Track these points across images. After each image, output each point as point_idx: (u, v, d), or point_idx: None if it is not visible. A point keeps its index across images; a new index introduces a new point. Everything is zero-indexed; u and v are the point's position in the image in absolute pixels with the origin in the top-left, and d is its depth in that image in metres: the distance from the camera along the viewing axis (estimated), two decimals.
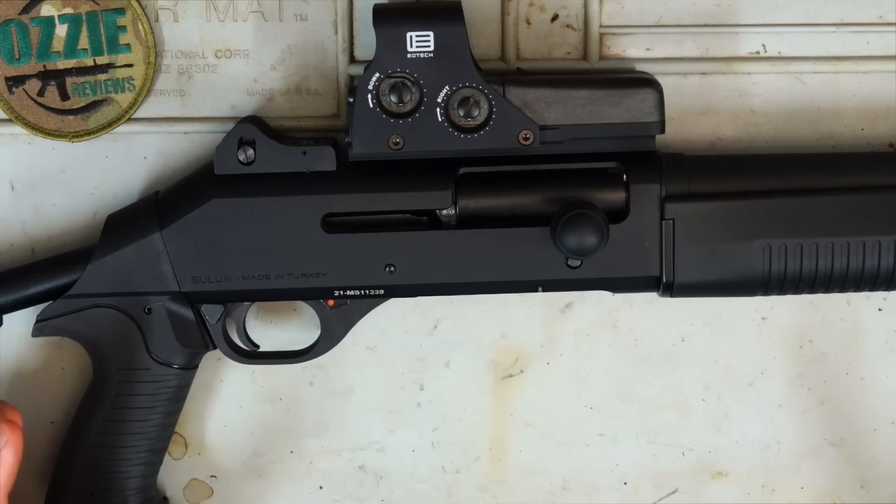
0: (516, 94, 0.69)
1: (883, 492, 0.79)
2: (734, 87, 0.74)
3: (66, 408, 0.76)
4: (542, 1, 0.73)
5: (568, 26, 0.73)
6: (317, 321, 0.73)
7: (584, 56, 0.73)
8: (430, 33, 0.68)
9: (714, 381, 0.78)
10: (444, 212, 0.70)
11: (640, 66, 0.74)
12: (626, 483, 0.79)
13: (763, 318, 0.77)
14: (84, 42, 0.72)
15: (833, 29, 0.74)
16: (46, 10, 0.71)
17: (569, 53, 0.74)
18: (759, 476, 0.79)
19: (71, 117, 0.73)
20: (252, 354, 0.74)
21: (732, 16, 0.73)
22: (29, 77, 0.72)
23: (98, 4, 0.71)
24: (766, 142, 0.75)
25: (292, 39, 0.73)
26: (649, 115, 0.69)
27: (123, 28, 0.72)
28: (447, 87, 0.68)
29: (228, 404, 0.78)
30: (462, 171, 0.69)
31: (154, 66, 0.72)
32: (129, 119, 0.73)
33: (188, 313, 0.71)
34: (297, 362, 0.74)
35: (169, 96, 0.73)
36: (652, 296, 0.72)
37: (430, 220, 0.70)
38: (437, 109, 0.68)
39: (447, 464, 0.79)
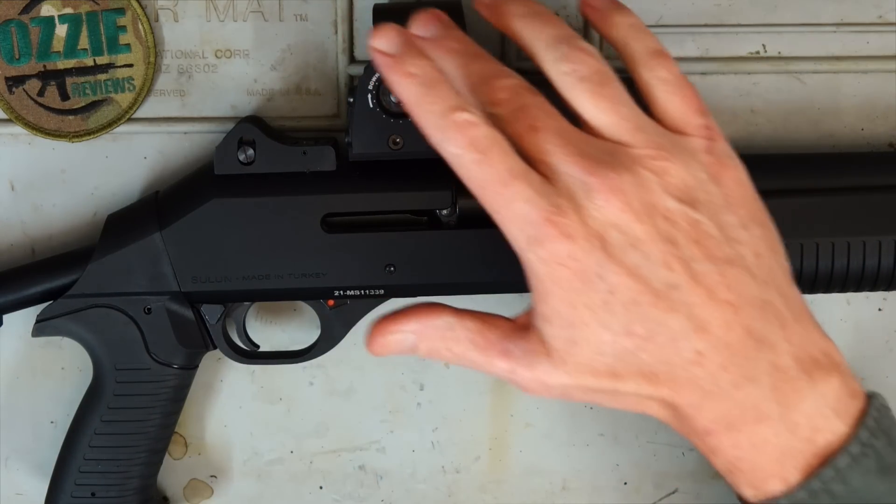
0: None
1: None
2: (734, 87, 0.74)
3: (66, 408, 0.76)
4: (541, 1, 0.73)
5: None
6: (317, 321, 0.73)
7: None
8: None
9: None
10: (444, 212, 0.70)
11: None
12: (626, 483, 0.79)
13: None
14: (84, 42, 0.72)
15: (833, 29, 0.74)
16: (46, 10, 0.71)
17: None
18: None
19: (71, 117, 0.73)
20: (252, 354, 0.74)
21: (732, 16, 0.73)
22: (29, 77, 0.72)
23: (98, 4, 0.71)
24: (766, 141, 0.75)
25: (292, 39, 0.73)
26: None
27: (123, 28, 0.72)
28: None
29: (228, 404, 0.78)
30: None
31: (154, 66, 0.72)
32: (129, 119, 0.73)
33: (188, 313, 0.71)
34: (297, 362, 0.73)
35: (169, 96, 0.73)
36: None
37: (430, 220, 0.70)
38: None
39: (447, 464, 0.79)
